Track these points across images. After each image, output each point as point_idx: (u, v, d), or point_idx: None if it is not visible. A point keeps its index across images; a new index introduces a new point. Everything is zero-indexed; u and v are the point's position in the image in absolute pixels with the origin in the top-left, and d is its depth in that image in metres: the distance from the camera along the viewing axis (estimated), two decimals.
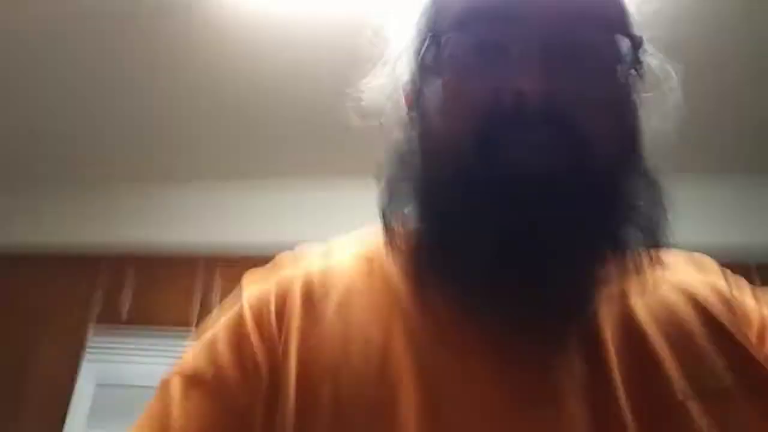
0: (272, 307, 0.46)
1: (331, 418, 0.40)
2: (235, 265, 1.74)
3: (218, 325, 0.48)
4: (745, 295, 0.50)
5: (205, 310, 1.97)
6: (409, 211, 0.46)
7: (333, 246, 0.53)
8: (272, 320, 0.46)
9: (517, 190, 0.38)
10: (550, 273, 0.40)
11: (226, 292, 0.52)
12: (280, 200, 2.18)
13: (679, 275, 0.50)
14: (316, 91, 1.70)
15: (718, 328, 0.46)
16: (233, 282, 0.52)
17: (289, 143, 2.03)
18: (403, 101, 0.50)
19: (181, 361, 0.48)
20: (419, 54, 0.46)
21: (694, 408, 0.40)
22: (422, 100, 0.46)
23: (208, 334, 0.49)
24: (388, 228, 0.47)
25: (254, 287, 0.49)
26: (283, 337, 0.44)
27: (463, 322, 0.43)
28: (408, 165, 0.46)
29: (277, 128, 1.96)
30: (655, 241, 0.43)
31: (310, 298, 0.47)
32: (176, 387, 0.45)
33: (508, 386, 0.41)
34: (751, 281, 0.52)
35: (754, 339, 0.45)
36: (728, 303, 0.48)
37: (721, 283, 0.50)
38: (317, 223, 1.96)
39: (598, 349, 0.43)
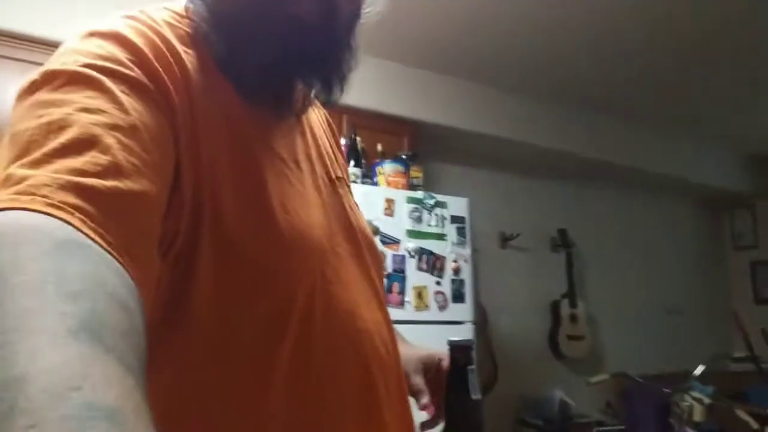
0: (165, 52, 0.54)
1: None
2: None
3: (101, 45, 0.50)
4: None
5: None
6: (199, 7, 0.61)
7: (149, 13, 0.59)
8: (171, 65, 0.54)
9: (293, 30, 0.58)
10: (298, 79, 0.63)
11: None
12: None
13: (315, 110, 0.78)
14: None
15: (337, 142, 0.81)
16: None
17: None
18: None
19: (77, 60, 0.48)
20: None
21: (337, 183, 0.72)
22: None
23: (109, 44, 0.51)
24: (197, 24, 0.60)
25: (126, 26, 0.54)
26: (180, 84, 0.53)
27: (246, 102, 0.61)
28: None
29: None
30: (342, 83, 0.65)
31: (181, 58, 0.56)
32: (106, 80, 0.47)
33: (274, 142, 0.64)
34: None
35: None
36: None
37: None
38: None
39: (307, 132, 0.71)
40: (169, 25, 0.58)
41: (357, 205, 0.77)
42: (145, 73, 0.51)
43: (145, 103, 0.49)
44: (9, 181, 0.39)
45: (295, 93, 0.65)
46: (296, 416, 0.57)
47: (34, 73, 0.48)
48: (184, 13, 0.62)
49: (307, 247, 0.60)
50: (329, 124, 0.82)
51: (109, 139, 0.44)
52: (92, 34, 0.52)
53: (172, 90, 0.52)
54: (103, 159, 0.42)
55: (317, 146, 0.72)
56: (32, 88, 0.47)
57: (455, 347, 0.60)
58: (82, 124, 0.43)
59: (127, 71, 0.49)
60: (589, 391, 2.84)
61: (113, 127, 0.44)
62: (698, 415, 1.82)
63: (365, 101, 2.94)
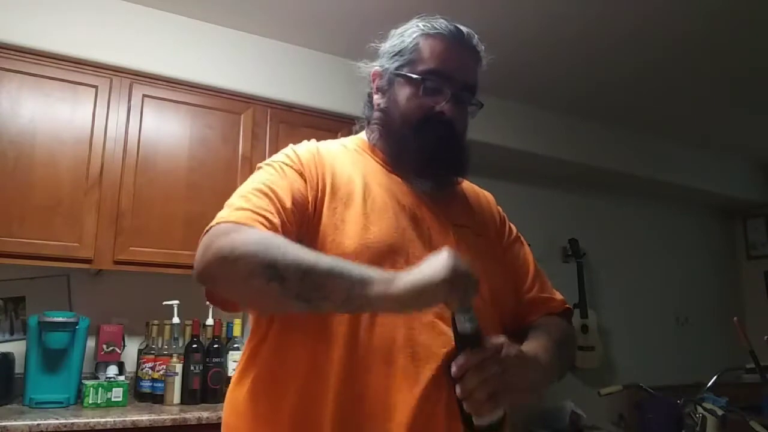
0: (315, 160, 1.01)
1: (342, 206, 0.96)
2: None
3: (284, 156, 1.01)
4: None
5: None
6: (375, 133, 1.09)
7: (322, 143, 1.10)
8: (315, 165, 1.00)
9: (433, 143, 1.02)
10: (443, 172, 1.06)
11: None
12: None
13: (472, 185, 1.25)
14: None
15: (495, 209, 1.23)
16: None
17: None
18: (377, 82, 1.10)
19: (272, 159, 1.01)
20: (399, 68, 1.05)
21: (457, 230, 1.06)
22: (393, 89, 1.06)
23: (287, 153, 1.02)
24: (369, 137, 1.12)
25: (300, 147, 1.05)
26: (321, 174, 0.99)
27: (403, 181, 1.05)
28: (381, 117, 1.08)
29: None
30: (466, 169, 1.10)
31: (325, 157, 1.03)
32: (279, 166, 0.98)
33: (414, 204, 1.03)
34: None
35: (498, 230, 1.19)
36: (496, 208, 1.24)
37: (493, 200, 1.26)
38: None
39: (449, 201, 1.10)
40: (341, 143, 1.10)
41: (488, 251, 1.08)
42: (299, 167, 0.98)
43: (297, 175, 0.97)
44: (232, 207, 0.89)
45: (426, 174, 1.03)
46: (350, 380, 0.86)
47: (270, 160, 1.02)
48: (365, 139, 1.12)
49: (375, 248, 0.92)
50: (485, 202, 1.23)
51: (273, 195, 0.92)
52: (291, 148, 1.04)
53: (307, 176, 0.97)
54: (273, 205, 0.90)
55: (437, 205, 1.05)
56: (262, 166, 1.01)
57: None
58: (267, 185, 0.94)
59: (293, 165, 0.99)
60: (600, 402, 2.81)
61: (279, 188, 0.94)
62: (711, 427, 1.79)
63: None
